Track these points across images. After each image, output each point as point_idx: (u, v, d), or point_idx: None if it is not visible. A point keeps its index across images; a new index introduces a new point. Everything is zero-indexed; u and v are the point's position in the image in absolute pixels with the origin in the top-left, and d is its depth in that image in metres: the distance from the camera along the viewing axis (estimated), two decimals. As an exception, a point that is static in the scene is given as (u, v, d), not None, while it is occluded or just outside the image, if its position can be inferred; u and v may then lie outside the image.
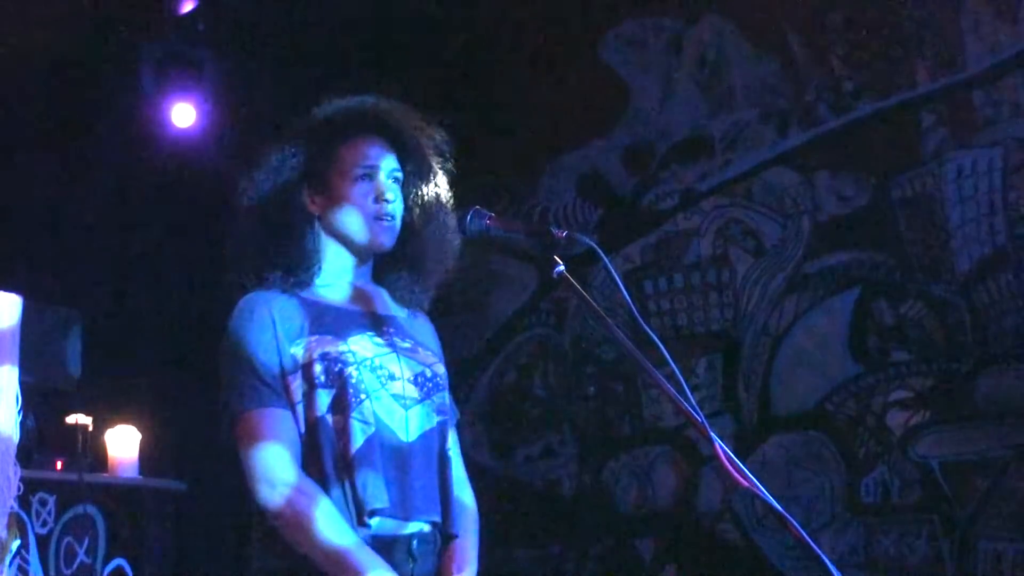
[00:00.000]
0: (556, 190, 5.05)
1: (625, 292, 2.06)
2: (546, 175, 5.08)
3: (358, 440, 2.09)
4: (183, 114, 5.14)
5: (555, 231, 2.03)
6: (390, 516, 2.11)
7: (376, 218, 2.23)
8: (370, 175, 2.24)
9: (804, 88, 4.46)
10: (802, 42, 4.47)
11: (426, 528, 2.17)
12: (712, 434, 1.77)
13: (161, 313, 5.33)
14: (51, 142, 5.15)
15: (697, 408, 1.82)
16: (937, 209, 4.11)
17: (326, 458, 2.10)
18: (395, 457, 2.13)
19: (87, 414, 4.43)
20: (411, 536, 2.14)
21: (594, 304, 2.01)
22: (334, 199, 2.24)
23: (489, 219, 2.18)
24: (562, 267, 2.01)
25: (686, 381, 1.84)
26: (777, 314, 4.45)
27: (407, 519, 2.13)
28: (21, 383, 3.12)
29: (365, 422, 2.11)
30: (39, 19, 4.81)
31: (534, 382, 5.02)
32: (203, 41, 5.10)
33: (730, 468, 1.74)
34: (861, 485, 4.18)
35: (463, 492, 2.31)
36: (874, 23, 4.32)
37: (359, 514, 2.07)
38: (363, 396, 2.13)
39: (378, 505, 2.08)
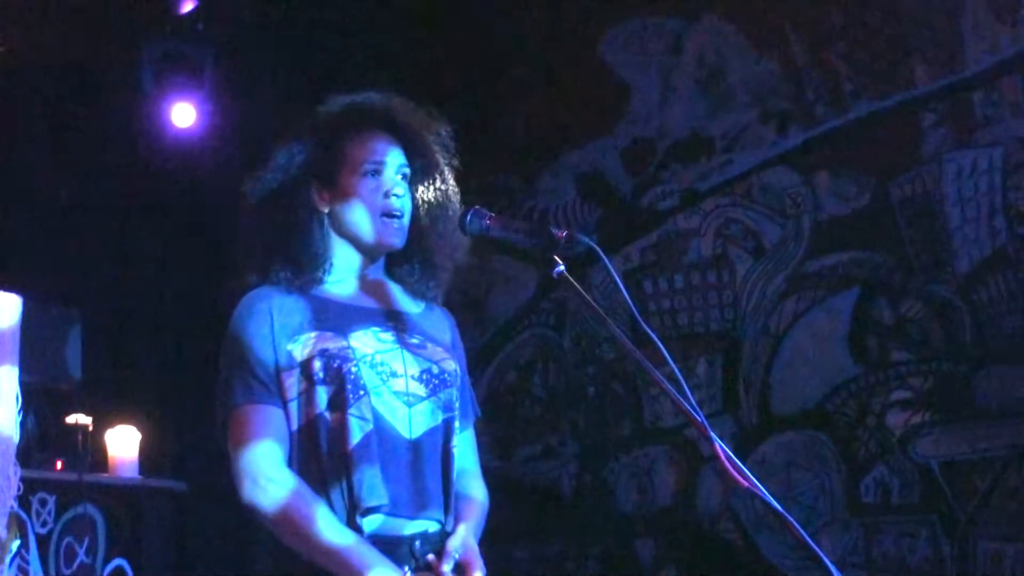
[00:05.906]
0: (556, 190, 5.04)
1: (625, 292, 2.05)
2: (546, 175, 5.08)
3: (355, 437, 2.07)
4: (183, 114, 5.14)
5: (555, 231, 2.01)
6: (390, 515, 2.08)
7: (384, 215, 2.21)
8: (377, 171, 2.22)
9: (804, 88, 4.45)
10: (802, 42, 4.46)
11: (431, 528, 2.13)
12: (712, 434, 1.76)
13: (161, 313, 5.33)
14: (51, 142, 5.16)
15: (697, 408, 1.81)
16: (937, 209, 4.11)
17: (324, 455, 2.08)
18: (397, 455, 2.10)
19: (87, 414, 4.43)
20: (413, 536, 2.10)
21: (594, 304, 2.00)
22: (342, 195, 2.21)
23: (489, 219, 2.16)
24: (562, 267, 2.00)
25: (686, 381, 1.84)
26: (777, 314, 4.45)
27: (409, 518, 2.10)
28: (21, 383, 3.12)
29: (363, 418, 2.08)
30: (40, 19, 4.81)
31: (534, 382, 5.02)
32: (203, 41, 5.10)
33: (730, 468, 1.73)
34: (861, 485, 4.18)
35: (473, 485, 2.28)
36: (874, 23, 4.32)
37: (353, 512, 2.05)
38: (362, 392, 2.10)
39: (375, 503, 2.05)
